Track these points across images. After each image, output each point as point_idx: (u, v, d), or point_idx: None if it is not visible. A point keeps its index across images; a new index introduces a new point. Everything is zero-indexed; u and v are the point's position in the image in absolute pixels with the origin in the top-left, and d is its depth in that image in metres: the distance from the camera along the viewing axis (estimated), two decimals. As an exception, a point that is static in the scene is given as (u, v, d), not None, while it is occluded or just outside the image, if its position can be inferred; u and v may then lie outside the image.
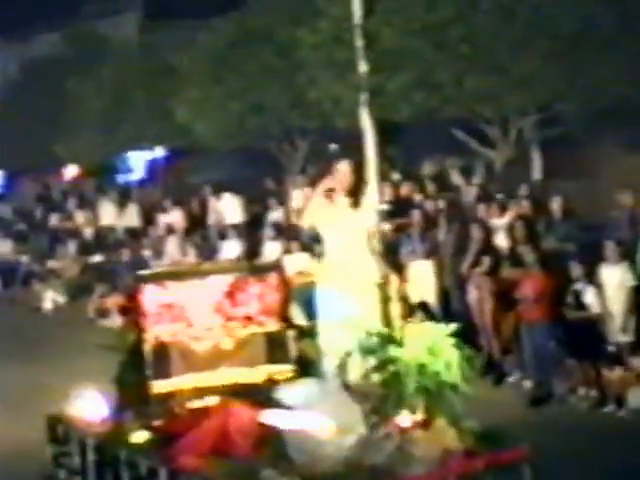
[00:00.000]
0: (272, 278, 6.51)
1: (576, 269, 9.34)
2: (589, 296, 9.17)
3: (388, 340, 5.08)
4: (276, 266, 6.84)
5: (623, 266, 9.24)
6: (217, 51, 14.46)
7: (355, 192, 5.86)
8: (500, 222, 10.48)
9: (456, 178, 12.13)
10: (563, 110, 10.87)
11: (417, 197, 11.52)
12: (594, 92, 10.52)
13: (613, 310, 9.19)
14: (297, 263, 9.85)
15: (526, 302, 9.32)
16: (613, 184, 10.59)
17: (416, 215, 10.57)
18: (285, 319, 6.47)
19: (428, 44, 10.64)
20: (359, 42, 6.53)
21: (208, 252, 13.23)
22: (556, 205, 10.24)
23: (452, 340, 5.04)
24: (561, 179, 11.56)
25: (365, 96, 6.69)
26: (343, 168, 5.83)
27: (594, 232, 10.01)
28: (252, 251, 12.24)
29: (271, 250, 11.92)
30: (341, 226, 5.84)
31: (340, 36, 10.36)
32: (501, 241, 10.29)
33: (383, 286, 5.71)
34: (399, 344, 5.01)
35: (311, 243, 10.32)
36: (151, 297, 6.35)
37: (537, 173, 12.30)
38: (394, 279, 5.60)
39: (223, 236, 13.78)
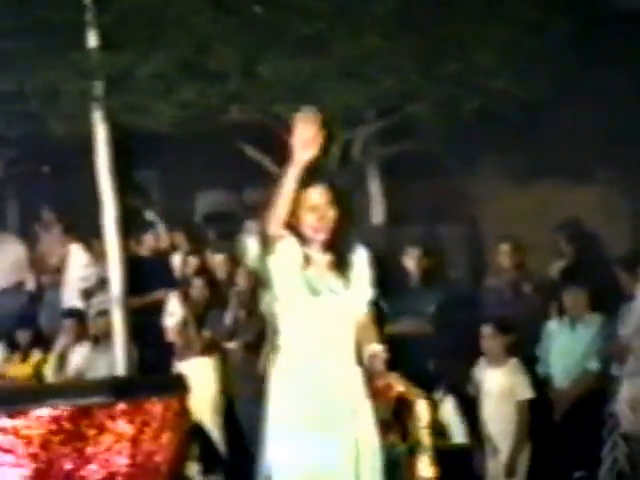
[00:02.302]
0: (159, 405, 5.18)
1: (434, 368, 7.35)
2: (446, 408, 7.00)
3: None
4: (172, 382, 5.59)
5: (511, 366, 7.08)
6: None
7: (338, 244, 4.25)
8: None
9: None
10: (417, 115, 8.26)
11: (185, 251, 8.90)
12: (464, 89, 8.10)
13: (495, 437, 7.04)
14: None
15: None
16: (494, 230, 8.70)
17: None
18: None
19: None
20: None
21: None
22: (412, 263, 7.90)
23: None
24: (412, 222, 9.40)
25: (99, 87, 5.96)
26: (318, 198, 4.20)
27: (467, 307, 7.78)
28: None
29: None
30: (318, 302, 4.20)
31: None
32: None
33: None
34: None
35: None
36: None
37: (377, 213, 9.73)
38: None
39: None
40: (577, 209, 8.73)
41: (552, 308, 7.41)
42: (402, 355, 6.65)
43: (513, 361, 7.12)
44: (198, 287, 8.11)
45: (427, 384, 6.37)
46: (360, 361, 4.29)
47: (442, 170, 9.29)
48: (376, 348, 4.29)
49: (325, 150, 4.07)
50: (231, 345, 7.96)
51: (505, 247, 7.85)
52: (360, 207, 9.17)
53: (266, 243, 4.09)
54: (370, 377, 4.21)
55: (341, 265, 4.29)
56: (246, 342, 7.79)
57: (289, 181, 3.99)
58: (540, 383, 7.24)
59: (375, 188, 9.66)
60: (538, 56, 7.92)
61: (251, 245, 4.17)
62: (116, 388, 5.66)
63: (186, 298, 8.09)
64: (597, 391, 7.08)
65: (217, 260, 8.49)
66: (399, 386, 4.24)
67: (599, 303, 7.25)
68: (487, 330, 7.10)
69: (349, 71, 7.91)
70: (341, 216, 4.29)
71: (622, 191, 8.92)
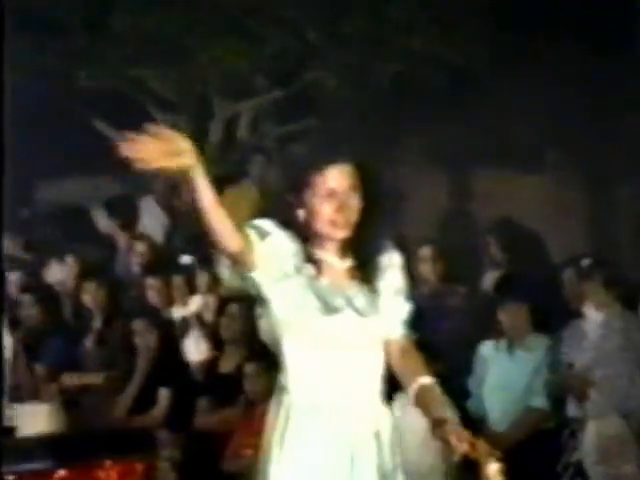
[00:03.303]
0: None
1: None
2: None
3: None
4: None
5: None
6: None
7: (362, 244, 3.55)
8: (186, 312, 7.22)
9: (103, 222, 8.31)
10: (320, 84, 7.47)
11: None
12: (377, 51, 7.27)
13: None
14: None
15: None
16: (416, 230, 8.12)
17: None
18: None
19: None
20: None
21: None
22: None
23: None
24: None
25: None
26: (335, 177, 3.47)
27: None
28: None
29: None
30: (335, 323, 3.49)
31: None
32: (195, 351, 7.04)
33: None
34: None
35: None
36: None
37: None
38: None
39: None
40: (520, 204, 8.02)
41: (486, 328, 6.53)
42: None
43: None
44: (27, 307, 6.90)
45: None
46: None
47: (352, 154, 8.27)
48: (426, 381, 3.50)
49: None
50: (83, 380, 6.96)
51: (425, 252, 7.07)
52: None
53: (235, 261, 3.41)
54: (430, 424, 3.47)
55: (367, 273, 3.55)
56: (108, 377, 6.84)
57: (198, 187, 3.27)
58: (471, 424, 6.23)
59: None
60: (470, 11, 7.24)
61: (223, 267, 3.52)
62: (54, 449, 5.26)
63: (14, 323, 6.88)
64: (545, 435, 6.23)
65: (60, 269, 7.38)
66: (463, 442, 3.32)
67: (544, 322, 6.42)
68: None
69: (230, 26, 7.09)
70: (367, 206, 3.49)
71: (577, 181, 8.15)
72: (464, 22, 7.29)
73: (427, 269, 7.00)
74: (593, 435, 6.00)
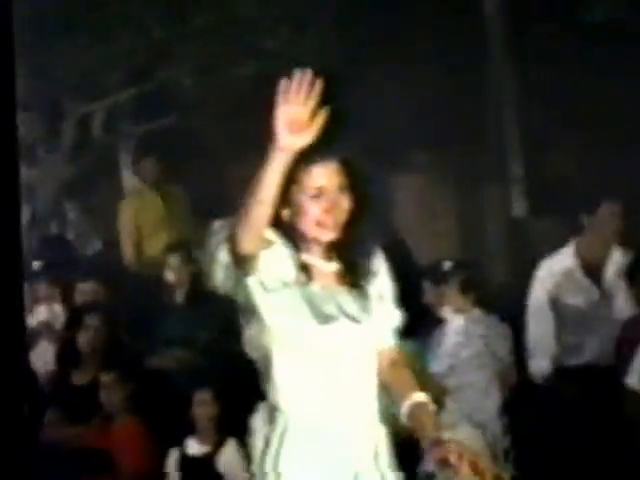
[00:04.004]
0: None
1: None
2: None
3: None
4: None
5: None
6: None
7: (350, 246, 3.29)
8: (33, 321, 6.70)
9: None
10: (174, 82, 7.04)
11: None
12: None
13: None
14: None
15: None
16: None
17: None
18: None
19: None
20: None
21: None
22: (171, 275, 6.76)
23: None
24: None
25: None
26: (324, 175, 3.22)
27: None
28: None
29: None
30: (329, 333, 3.22)
31: None
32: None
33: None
34: None
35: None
36: None
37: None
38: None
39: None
40: (388, 205, 7.88)
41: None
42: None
43: None
44: None
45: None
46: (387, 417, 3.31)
47: (212, 154, 8.21)
48: (420, 398, 3.26)
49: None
50: None
51: None
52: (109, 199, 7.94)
53: (239, 262, 3.12)
54: (417, 441, 3.22)
55: (355, 276, 3.31)
56: None
57: (272, 174, 2.95)
58: None
59: (129, 175, 8.41)
60: (327, 9, 7.04)
61: (219, 264, 3.15)
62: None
63: None
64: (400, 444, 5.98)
65: None
66: (464, 462, 3.09)
67: (408, 332, 6.08)
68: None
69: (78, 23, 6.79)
70: (356, 207, 3.25)
71: (446, 180, 8.03)
72: (318, 22, 7.08)
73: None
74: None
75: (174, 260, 6.73)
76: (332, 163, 3.20)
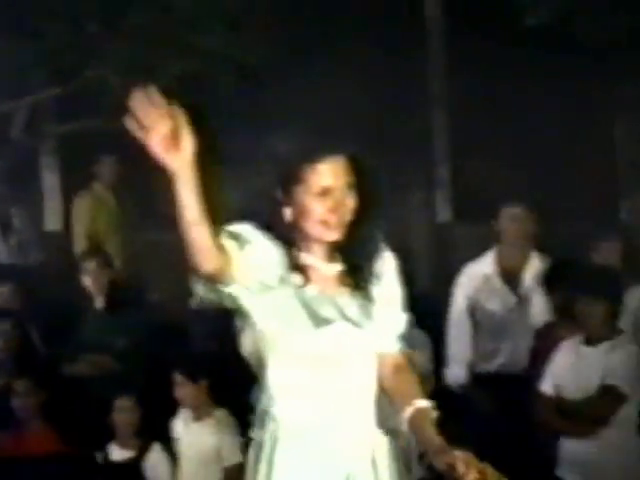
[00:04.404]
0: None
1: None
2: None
3: None
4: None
5: (218, 420, 6.06)
6: None
7: (356, 246, 3.15)
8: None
9: None
10: (102, 81, 7.03)
11: None
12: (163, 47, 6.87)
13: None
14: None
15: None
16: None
17: None
18: None
19: None
20: None
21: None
22: (87, 280, 6.61)
23: None
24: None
25: None
26: (330, 173, 3.07)
27: (170, 338, 6.68)
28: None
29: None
30: (326, 337, 3.08)
31: None
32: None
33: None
34: None
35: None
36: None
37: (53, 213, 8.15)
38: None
39: None
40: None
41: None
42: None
43: (220, 413, 5.98)
44: None
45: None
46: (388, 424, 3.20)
47: (139, 157, 7.89)
48: (423, 404, 3.18)
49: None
50: None
51: None
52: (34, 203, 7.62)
53: (210, 280, 2.98)
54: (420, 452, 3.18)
55: (359, 278, 3.19)
56: None
57: (183, 197, 2.81)
58: None
59: (50, 177, 8.20)
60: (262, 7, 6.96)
61: (197, 288, 3.05)
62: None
63: None
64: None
65: None
66: (472, 471, 2.99)
67: None
68: (177, 378, 5.94)
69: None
70: (362, 206, 3.12)
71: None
72: (253, 20, 6.97)
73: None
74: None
75: (91, 265, 6.68)
76: (340, 160, 3.07)
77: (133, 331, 6.62)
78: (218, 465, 6.00)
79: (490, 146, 7.56)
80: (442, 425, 5.68)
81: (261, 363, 3.11)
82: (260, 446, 3.12)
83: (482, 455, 5.65)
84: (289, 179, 3.01)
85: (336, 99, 7.48)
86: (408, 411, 3.12)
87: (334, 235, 3.06)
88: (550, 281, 5.49)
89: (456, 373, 5.87)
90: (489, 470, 3.00)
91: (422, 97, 7.86)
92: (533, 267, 5.74)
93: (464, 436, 5.66)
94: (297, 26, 7.01)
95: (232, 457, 5.96)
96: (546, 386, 5.10)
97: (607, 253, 5.83)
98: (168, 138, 2.73)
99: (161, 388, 6.21)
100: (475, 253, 6.25)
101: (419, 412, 3.11)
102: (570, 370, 5.07)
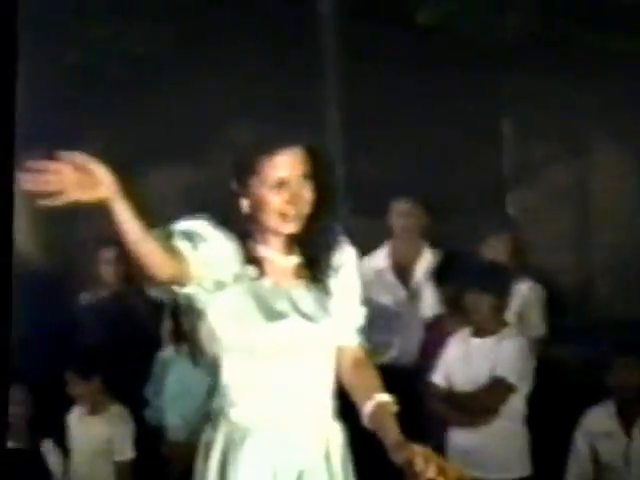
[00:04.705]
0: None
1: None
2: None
3: None
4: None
5: (111, 413, 6.03)
6: None
7: (312, 238, 3.08)
8: None
9: None
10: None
11: None
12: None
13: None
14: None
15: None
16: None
17: None
18: None
19: None
20: None
21: None
22: None
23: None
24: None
25: None
26: (287, 164, 3.01)
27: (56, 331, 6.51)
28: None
29: None
30: (279, 331, 3.00)
31: None
32: None
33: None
34: None
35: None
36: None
37: None
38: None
39: None
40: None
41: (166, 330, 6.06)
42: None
43: (115, 408, 5.96)
44: None
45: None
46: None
47: (36, 146, 7.74)
48: (383, 398, 3.08)
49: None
50: None
51: (109, 254, 6.63)
52: None
53: (165, 284, 2.93)
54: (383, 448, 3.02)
55: (316, 271, 3.12)
56: None
57: (121, 220, 2.77)
58: (151, 434, 6.05)
59: None
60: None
61: (153, 293, 2.99)
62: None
63: None
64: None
65: None
66: (431, 466, 2.90)
67: None
68: (69, 375, 5.92)
69: None
70: (318, 197, 3.05)
71: None
72: (147, 12, 6.93)
73: (109, 271, 6.60)
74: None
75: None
76: (296, 151, 3.01)
77: (26, 325, 6.37)
78: (110, 459, 5.95)
79: (383, 144, 7.60)
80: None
81: (215, 363, 3.04)
82: (211, 445, 3.06)
83: (375, 447, 5.73)
84: (244, 170, 2.95)
85: (223, 94, 7.42)
86: (369, 405, 3.07)
87: (291, 227, 3.01)
88: (440, 275, 5.57)
89: None
90: (448, 465, 2.96)
91: (314, 96, 7.84)
92: (425, 261, 5.82)
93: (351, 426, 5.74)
94: (185, 18, 6.97)
95: (124, 451, 5.96)
96: (437, 377, 5.20)
97: (495, 247, 5.89)
98: (78, 184, 2.70)
99: (55, 383, 6.14)
100: (371, 248, 6.32)
101: (379, 406, 3.06)
102: (460, 362, 5.16)
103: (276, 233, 3.04)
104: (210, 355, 3.03)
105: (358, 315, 3.21)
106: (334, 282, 3.10)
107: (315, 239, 3.07)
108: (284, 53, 7.39)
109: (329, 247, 3.10)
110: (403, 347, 5.81)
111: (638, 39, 6.32)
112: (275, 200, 2.99)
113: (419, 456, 2.89)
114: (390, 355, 5.85)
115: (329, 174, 3.08)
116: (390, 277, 5.74)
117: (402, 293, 5.73)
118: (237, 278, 2.98)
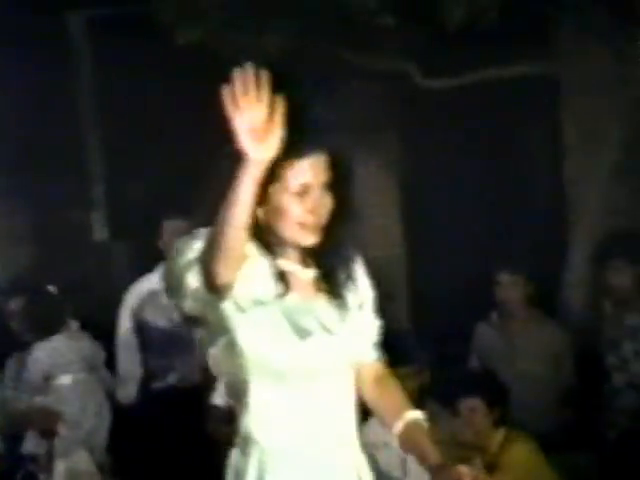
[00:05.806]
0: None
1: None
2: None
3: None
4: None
5: None
6: None
7: (329, 250, 2.93)
8: None
9: None
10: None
11: None
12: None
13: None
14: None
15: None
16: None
17: None
18: None
19: None
20: None
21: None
22: None
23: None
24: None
25: None
26: (310, 171, 2.81)
27: None
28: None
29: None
30: (307, 349, 2.84)
31: None
32: None
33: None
34: None
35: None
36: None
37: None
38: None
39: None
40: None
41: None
42: None
43: None
44: None
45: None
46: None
47: None
48: (414, 416, 2.96)
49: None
50: None
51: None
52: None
53: (212, 290, 2.72)
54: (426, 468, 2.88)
55: (335, 286, 2.98)
56: None
57: (244, 194, 2.59)
58: None
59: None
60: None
61: (187, 289, 2.76)
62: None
63: None
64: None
65: None
66: None
67: None
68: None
69: None
70: (337, 207, 2.91)
71: (25, 204, 7.69)
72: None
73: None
74: (63, 474, 5.81)
75: None
76: (322, 156, 2.86)
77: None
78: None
79: (146, 163, 7.56)
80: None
81: (240, 384, 2.88)
82: (243, 472, 2.91)
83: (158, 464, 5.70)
84: (264, 176, 2.67)
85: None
86: (399, 425, 2.94)
87: (311, 239, 2.87)
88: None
89: (127, 392, 5.90)
90: None
91: (71, 115, 7.72)
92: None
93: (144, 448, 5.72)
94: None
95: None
96: (218, 399, 5.23)
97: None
98: (258, 126, 2.55)
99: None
100: (133, 272, 6.27)
101: (410, 425, 2.94)
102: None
103: (294, 245, 2.90)
104: (233, 376, 2.90)
105: (375, 329, 3.08)
106: (351, 295, 3.00)
107: (332, 251, 2.95)
108: (38, 69, 7.22)
109: (347, 260, 3.00)
110: (183, 370, 5.84)
111: (397, 58, 6.58)
112: (295, 208, 2.85)
113: (467, 477, 2.83)
114: (173, 378, 5.89)
115: (349, 184, 2.95)
116: (163, 299, 5.73)
117: (176, 315, 5.70)
118: (274, 296, 2.84)
